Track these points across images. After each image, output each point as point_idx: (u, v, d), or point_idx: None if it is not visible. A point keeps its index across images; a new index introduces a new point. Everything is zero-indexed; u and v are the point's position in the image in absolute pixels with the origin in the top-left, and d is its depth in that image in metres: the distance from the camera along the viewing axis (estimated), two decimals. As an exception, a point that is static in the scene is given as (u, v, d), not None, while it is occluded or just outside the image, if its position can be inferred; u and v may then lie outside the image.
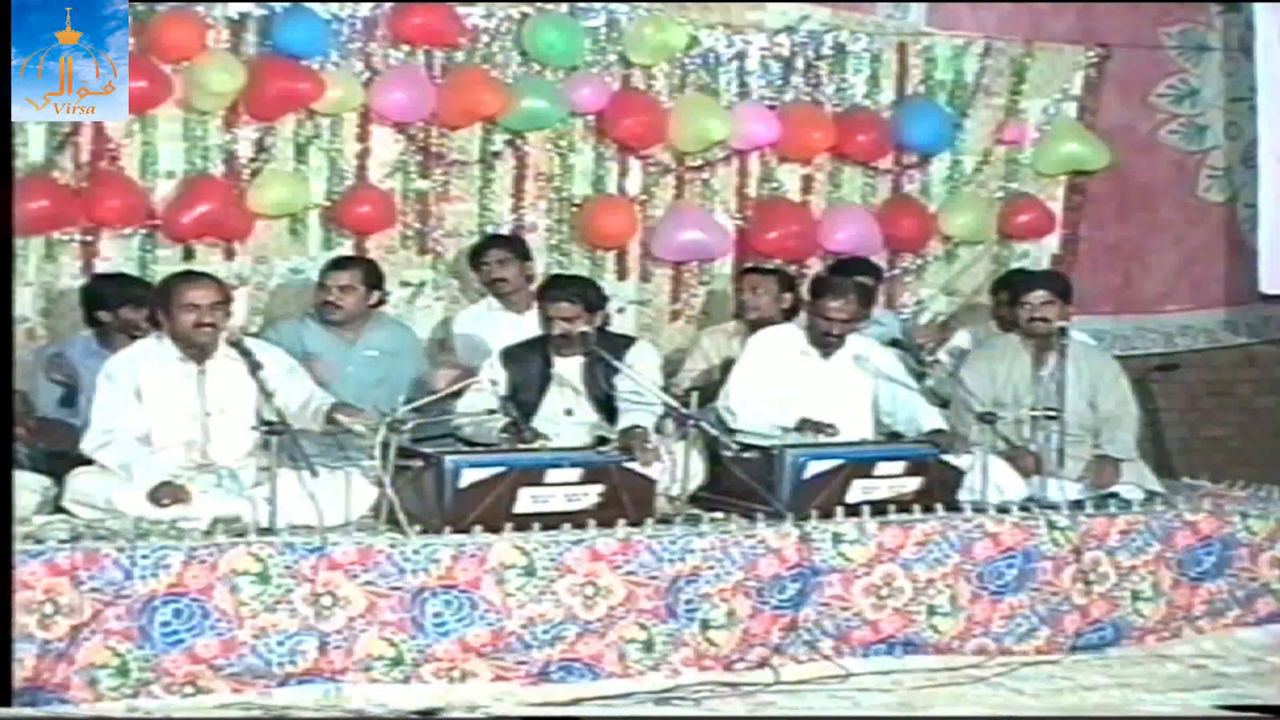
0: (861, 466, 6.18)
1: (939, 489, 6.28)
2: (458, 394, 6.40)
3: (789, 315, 7.21)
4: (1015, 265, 8.30)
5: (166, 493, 5.66)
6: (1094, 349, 7.21)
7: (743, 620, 5.90)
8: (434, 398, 6.24)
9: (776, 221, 8.04)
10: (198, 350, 5.96)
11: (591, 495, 5.84)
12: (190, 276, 6.13)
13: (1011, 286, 7.29)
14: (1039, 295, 6.86)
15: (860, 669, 5.96)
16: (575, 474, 5.83)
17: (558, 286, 6.62)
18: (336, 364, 6.81)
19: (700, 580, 5.84)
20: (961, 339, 7.79)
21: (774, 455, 6.13)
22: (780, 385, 6.61)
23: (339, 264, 7.02)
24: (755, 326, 7.10)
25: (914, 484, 6.25)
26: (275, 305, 7.33)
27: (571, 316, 6.41)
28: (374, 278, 6.99)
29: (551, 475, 5.79)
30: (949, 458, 6.35)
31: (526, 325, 6.96)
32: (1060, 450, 6.51)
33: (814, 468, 6.11)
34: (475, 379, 6.43)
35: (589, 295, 6.52)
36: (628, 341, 6.68)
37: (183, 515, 5.61)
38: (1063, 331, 6.74)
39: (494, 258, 7.31)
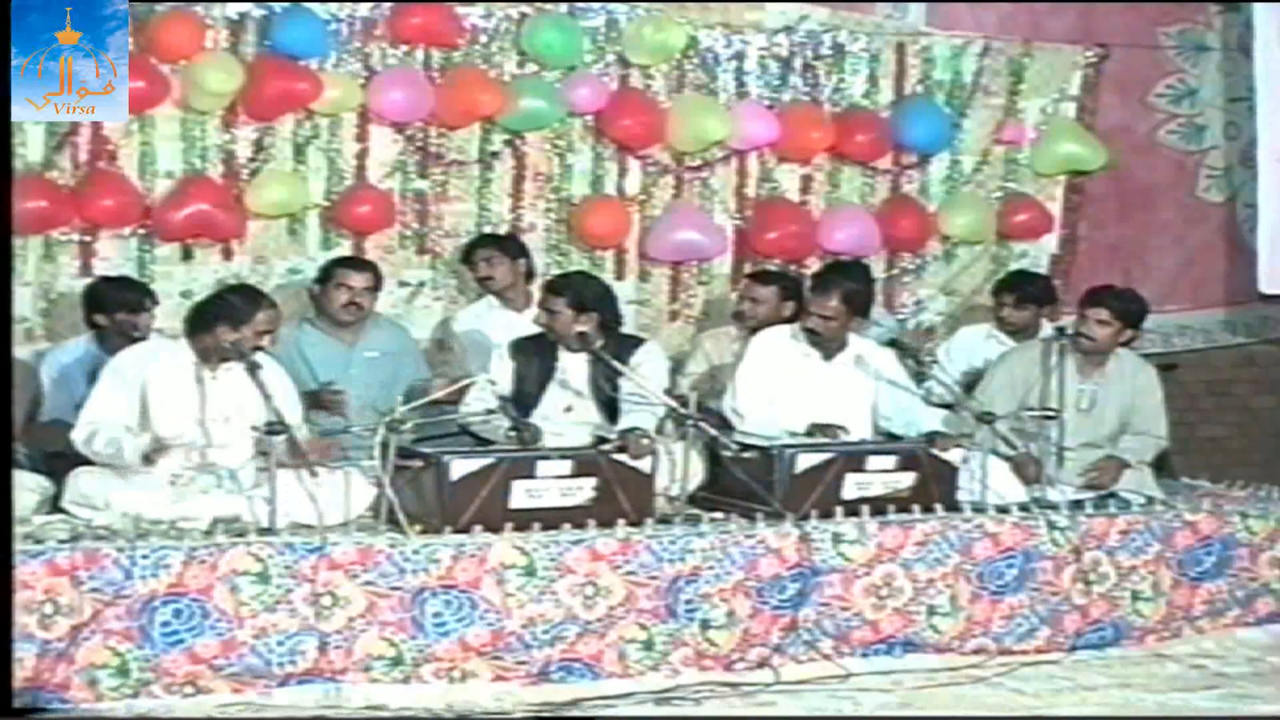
0: (852, 460, 6.19)
1: (934, 485, 6.28)
2: (459, 394, 6.40)
3: (789, 322, 7.18)
4: (1014, 266, 8.30)
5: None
6: (1145, 369, 7.02)
7: (743, 620, 5.90)
8: (433, 397, 6.25)
9: (775, 221, 8.04)
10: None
11: (586, 489, 5.84)
12: (254, 292, 6.14)
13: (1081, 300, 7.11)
14: (1097, 313, 6.75)
15: (860, 669, 5.96)
16: (566, 467, 5.83)
17: (554, 279, 6.68)
18: (338, 367, 6.81)
19: (700, 580, 5.83)
20: (961, 337, 7.79)
21: (773, 455, 6.14)
22: (782, 385, 6.61)
23: (356, 265, 7.01)
24: (754, 333, 7.07)
25: (908, 479, 6.25)
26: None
27: (555, 309, 6.41)
28: (381, 279, 7.02)
29: (543, 468, 5.80)
30: (940, 453, 6.34)
31: (525, 323, 6.96)
32: (1060, 451, 6.51)
33: (804, 461, 6.11)
34: (472, 379, 6.43)
35: (582, 294, 6.48)
36: (636, 342, 6.66)
37: (183, 515, 5.60)
38: (1065, 332, 6.76)
39: (481, 256, 7.35)
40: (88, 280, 6.86)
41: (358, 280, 6.89)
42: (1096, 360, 6.82)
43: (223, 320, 5.90)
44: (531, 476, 5.77)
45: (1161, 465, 7.12)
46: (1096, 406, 6.78)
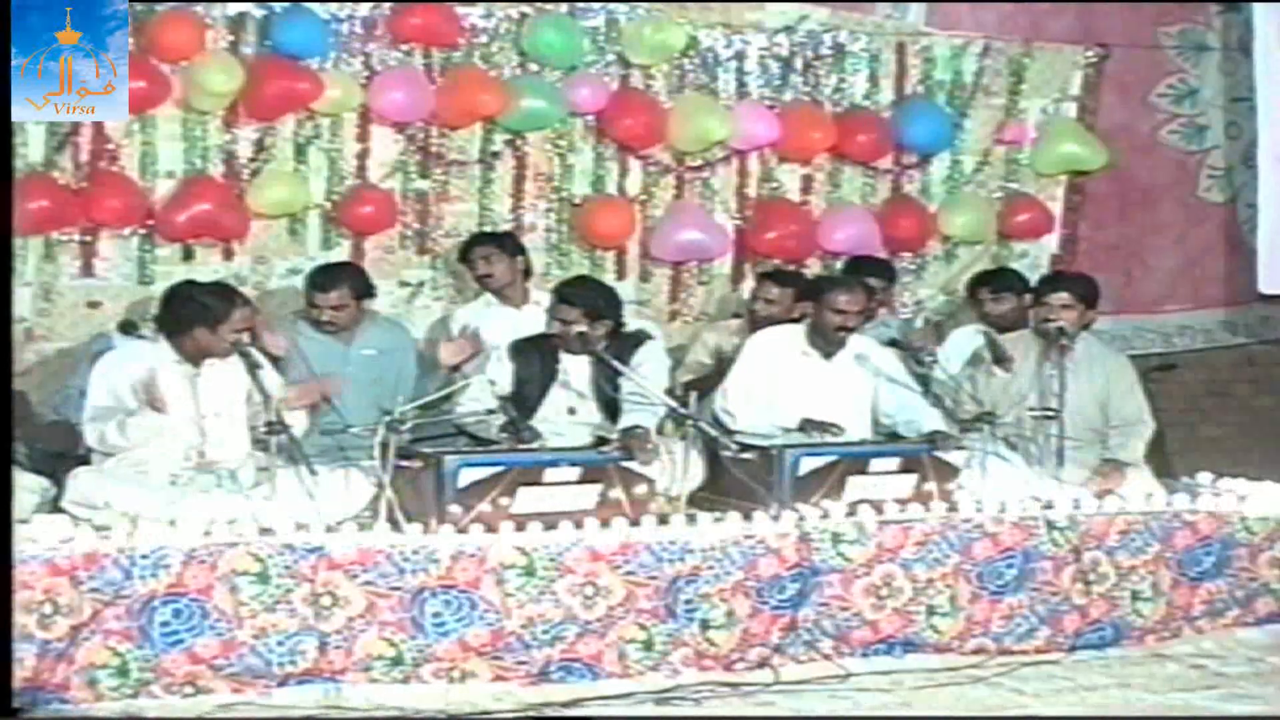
0: (856, 463, 6.20)
1: (936, 487, 6.28)
2: (457, 393, 6.40)
3: (797, 323, 7.17)
4: (1014, 266, 8.29)
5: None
6: (1112, 354, 7.15)
7: (742, 620, 5.90)
8: (433, 397, 6.25)
9: (776, 221, 8.04)
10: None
11: (591, 494, 5.85)
12: (227, 290, 6.15)
13: (1033, 287, 7.29)
14: (1060, 298, 6.86)
15: (860, 669, 5.97)
16: (574, 473, 5.85)
17: (564, 288, 6.62)
18: (335, 365, 6.81)
19: (700, 580, 5.84)
20: (957, 337, 7.78)
21: (773, 455, 6.14)
22: (780, 385, 6.61)
23: (325, 284, 6.85)
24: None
25: (910, 482, 6.26)
26: (274, 305, 7.32)
27: (570, 320, 6.41)
28: (362, 287, 6.92)
29: (550, 474, 5.81)
30: (944, 455, 6.35)
31: (524, 320, 6.97)
32: (1060, 451, 6.51)
33: (808, 464, 6.12)
34: (471, 380, 6.43)
35: (595, 301, 6.48)
36: (638, 340, 6.65)
37: (182, 515, 5.61)
38: (1065, 332, 6.76)
39: (479, 254, 7.34)
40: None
41: (327, 300, 6.80)
42: (1060, 346, 6.82)
43: (200, 322, 5.92)
44: (539, 483, 5.78)
45: (1156, 456, 7.12)
46: (1070, 389, 6.76)
